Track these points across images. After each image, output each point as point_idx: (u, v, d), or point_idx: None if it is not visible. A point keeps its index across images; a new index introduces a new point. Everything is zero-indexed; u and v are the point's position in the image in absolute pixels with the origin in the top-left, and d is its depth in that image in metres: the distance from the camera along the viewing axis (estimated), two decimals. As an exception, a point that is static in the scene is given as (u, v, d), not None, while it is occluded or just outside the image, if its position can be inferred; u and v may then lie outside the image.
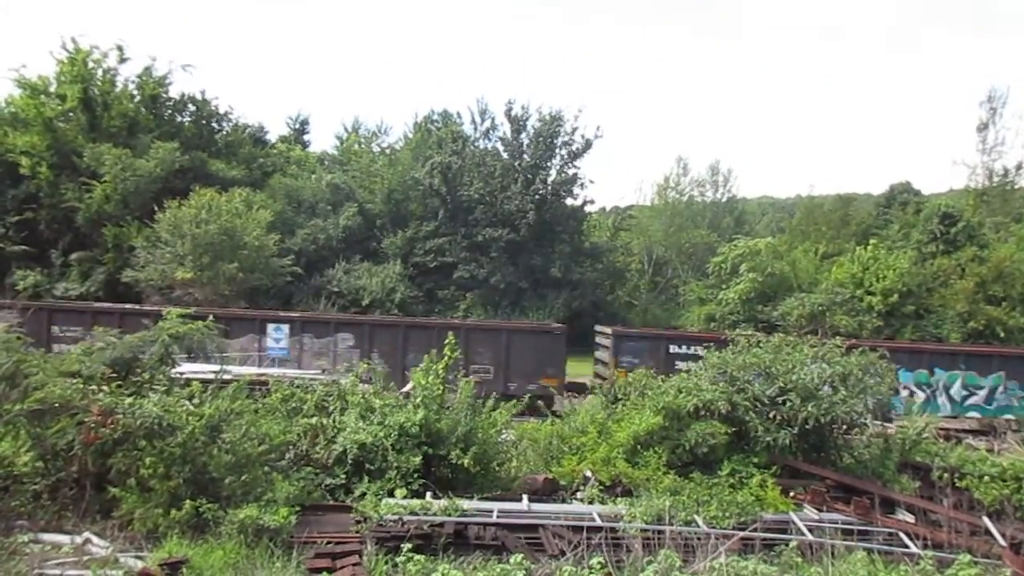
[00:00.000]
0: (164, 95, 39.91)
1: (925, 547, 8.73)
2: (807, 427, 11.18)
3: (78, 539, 7.96)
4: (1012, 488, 10.75)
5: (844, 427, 11.97)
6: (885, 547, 8.89)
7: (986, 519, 9.85)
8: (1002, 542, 9.10)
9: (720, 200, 57.36)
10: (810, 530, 9.27)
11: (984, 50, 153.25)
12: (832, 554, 7.78)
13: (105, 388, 9.67)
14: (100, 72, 37.64)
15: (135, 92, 38.91)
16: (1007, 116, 68.58)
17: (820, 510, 10.19)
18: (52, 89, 37.45)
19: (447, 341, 11.46)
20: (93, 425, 8.68)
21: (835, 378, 11.50)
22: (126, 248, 32.69)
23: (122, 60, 38.09)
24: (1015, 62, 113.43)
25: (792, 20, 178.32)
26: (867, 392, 11.50)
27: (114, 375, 10.16)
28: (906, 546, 9.07)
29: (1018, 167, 47.35)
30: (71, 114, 36.73)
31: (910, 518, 10.11)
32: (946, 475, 10.97)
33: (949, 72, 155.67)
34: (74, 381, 9.54)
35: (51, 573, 7.08)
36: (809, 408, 11.09)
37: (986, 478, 10.90)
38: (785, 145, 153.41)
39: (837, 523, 9.58)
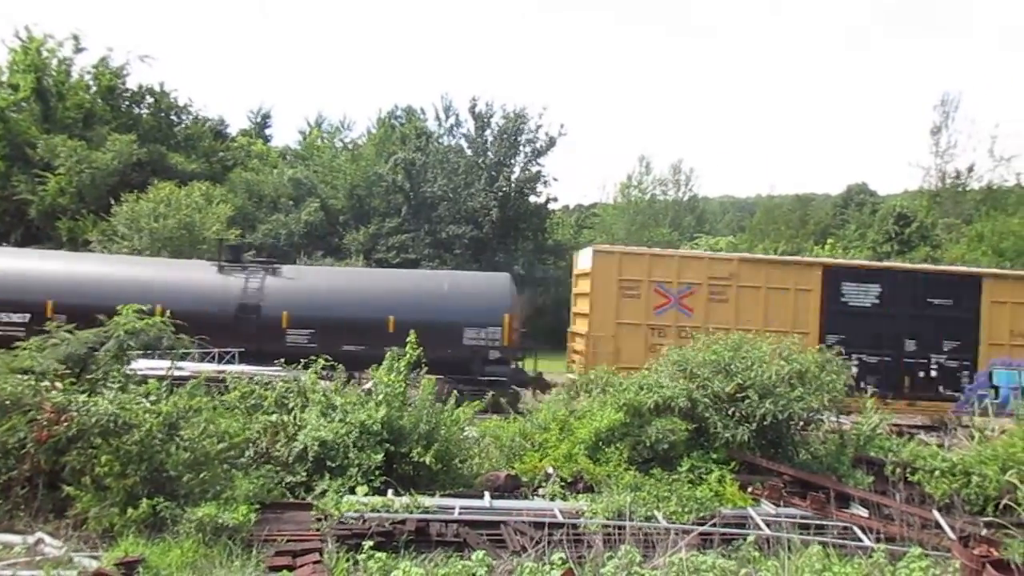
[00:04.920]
0: (121, 86, 39.14)
1: (878, 540, 8.93)
2: (765, 424, 11.35)
3: (30, 539, 7.76)
4: (961, 482, 10.97)
5: (801, 423, 12.18)
6: (840, 541, 9.05)
7: (936, 513, 10.06)
8: (951, 535, 9.30)
9: (682, 199, 58.06)
10: (767, 525, 9.40)
11: (938, 54, 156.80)
12: (789, 548, 7.88)
13: (59, 385, 9.46)
14: (55, 62, 36.81)
15: (91, 83, 38.11)
16: (959, 120, 70.48)
17: (777, 505, 10.33)
18: (3, 78, 36.53)
19: (408, 339, 11.39)
20: (46, 423, 8.49)
21: (792, 375, 11.69)
22: (81, 242, 31.95)
23: (78, 50, 37.34)
24: (967, 66, 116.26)
25: (752, 21, 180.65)
26: (824, 389, 11.71)
27: (68, 372, 9.94)
28: (860, 540, 9.25)
29: (969, 169, 48.73)
30: (24, 104, 35.85)
31: (864, 512, 10.31)
32: (899, 470, 11.20)
33: (905, 75, 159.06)
34: (25, 378, 9.30)
35: (3, 574, 6.92)
36: (767, 405, 11.26)
37: (937, 472, 11.11)
38: (746, 145, 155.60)
39: (794, 518, 9.72)
